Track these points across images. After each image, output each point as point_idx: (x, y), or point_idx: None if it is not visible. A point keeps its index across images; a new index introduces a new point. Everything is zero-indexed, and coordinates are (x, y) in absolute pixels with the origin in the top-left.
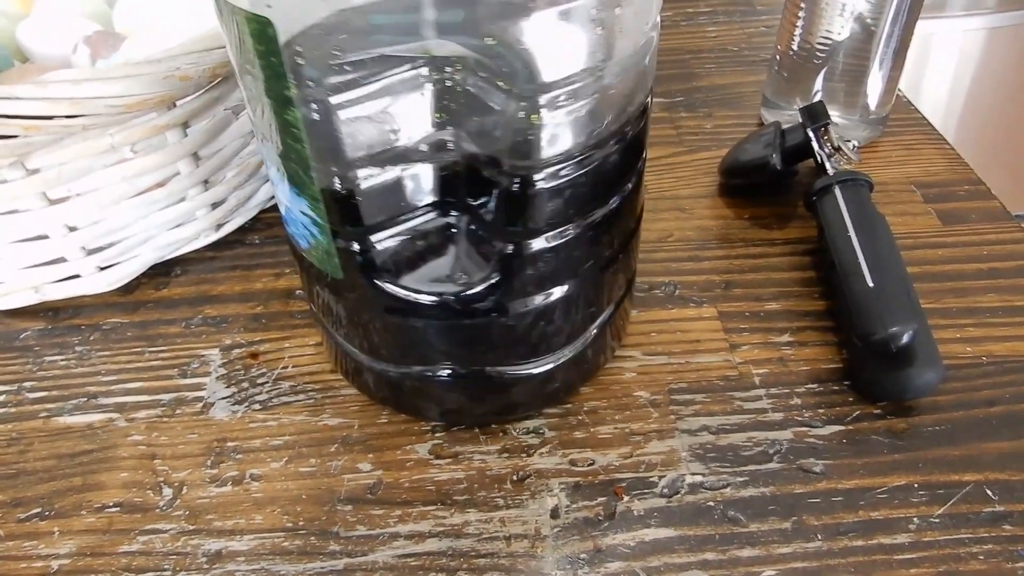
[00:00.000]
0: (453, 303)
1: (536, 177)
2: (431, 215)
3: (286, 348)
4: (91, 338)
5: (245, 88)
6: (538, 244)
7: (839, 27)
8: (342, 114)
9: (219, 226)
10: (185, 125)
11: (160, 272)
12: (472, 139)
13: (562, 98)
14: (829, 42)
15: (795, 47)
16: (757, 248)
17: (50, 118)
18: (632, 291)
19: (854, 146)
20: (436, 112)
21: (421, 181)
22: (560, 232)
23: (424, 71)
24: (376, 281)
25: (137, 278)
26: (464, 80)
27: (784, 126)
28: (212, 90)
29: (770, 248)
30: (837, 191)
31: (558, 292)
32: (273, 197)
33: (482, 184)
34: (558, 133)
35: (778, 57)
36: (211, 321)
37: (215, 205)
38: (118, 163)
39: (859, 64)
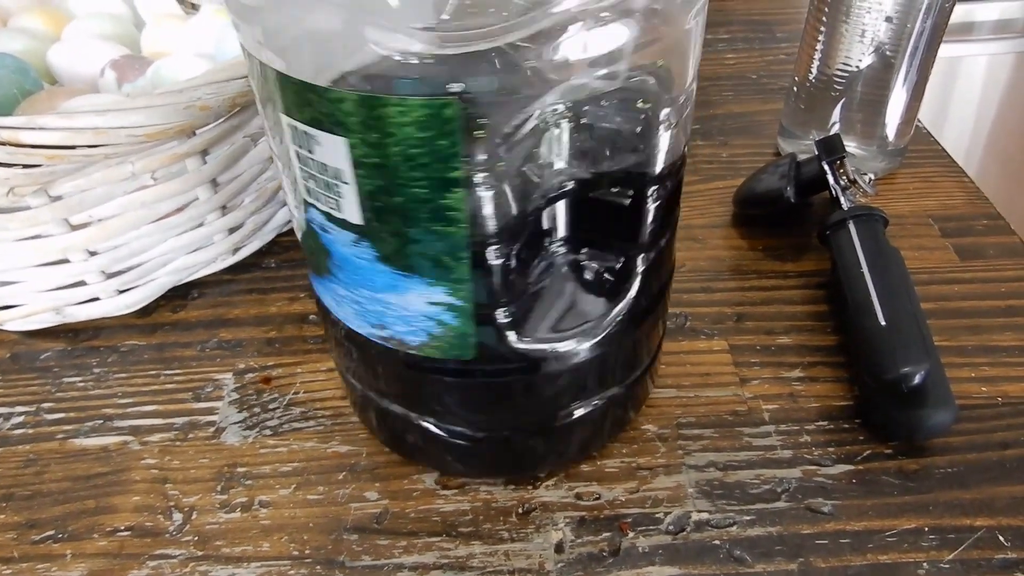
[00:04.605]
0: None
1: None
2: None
3: (298, 373)
4: (109, 360)
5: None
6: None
7: (858, 55)
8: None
9: (236, 250)
10: (204, 153)
11: (178, 295)
12: None
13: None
14: (848, 71)
15: (813, 76)
16: (770, 280)
17: (73, 147)
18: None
19: (870, 179)
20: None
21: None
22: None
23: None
24: None
25: (155, 301)
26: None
27: (799, 158)
28: (231, 119)
29: (783, 280)
30: (851, 226)
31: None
32: (289, 221)
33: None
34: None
35: (795, 88)
36: (226, 345)
37: (232, 230)
38: (138, 190)
39: (878, 94)
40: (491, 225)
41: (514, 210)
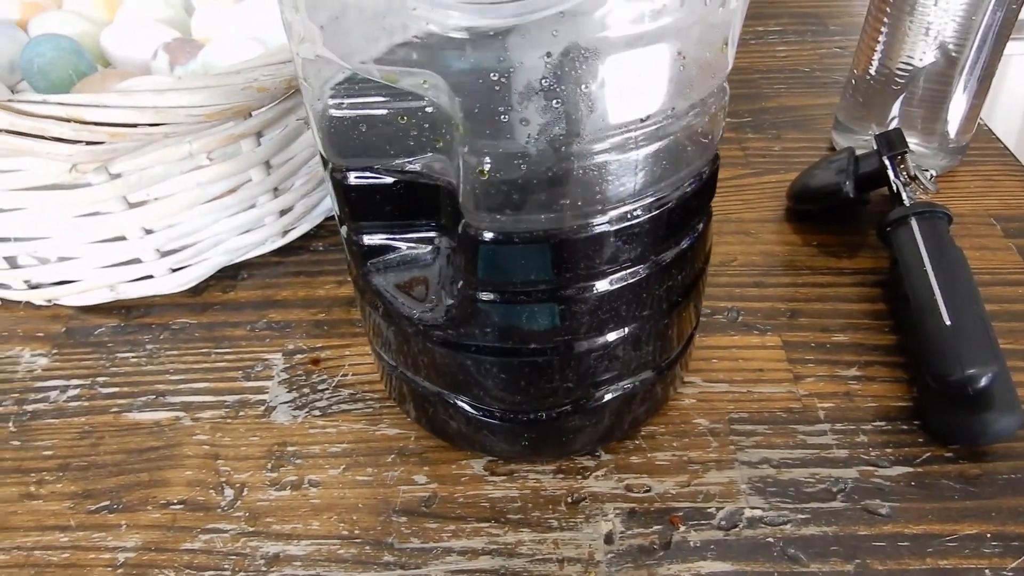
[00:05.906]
0: (428, 326)
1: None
2: (418, 232)
3: (346, 356)
4: (161, 337)
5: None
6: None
7: (922, 51)
8: (335, 117)
9: (286, 232)
10: (259, 134)
11: (228, 275)
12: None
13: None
14: (910, 67)
15: (873, 71)
16: (825, 277)
17: (135, 126)
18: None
19: (931, 176)
20: (431, 136)
21: (411, 195)
22: (515, 290)
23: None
24: (370, 279)
25: (206, 280)
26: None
27: (858, 152)
28: (286, 101)
29: (838, 278)
30: (914, 223)
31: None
32: None
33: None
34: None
35: (854, 80)
36: (275, 326)
37: (283, 212)
38: (194, 170)
39: (940, 90)
40: None
41: None
